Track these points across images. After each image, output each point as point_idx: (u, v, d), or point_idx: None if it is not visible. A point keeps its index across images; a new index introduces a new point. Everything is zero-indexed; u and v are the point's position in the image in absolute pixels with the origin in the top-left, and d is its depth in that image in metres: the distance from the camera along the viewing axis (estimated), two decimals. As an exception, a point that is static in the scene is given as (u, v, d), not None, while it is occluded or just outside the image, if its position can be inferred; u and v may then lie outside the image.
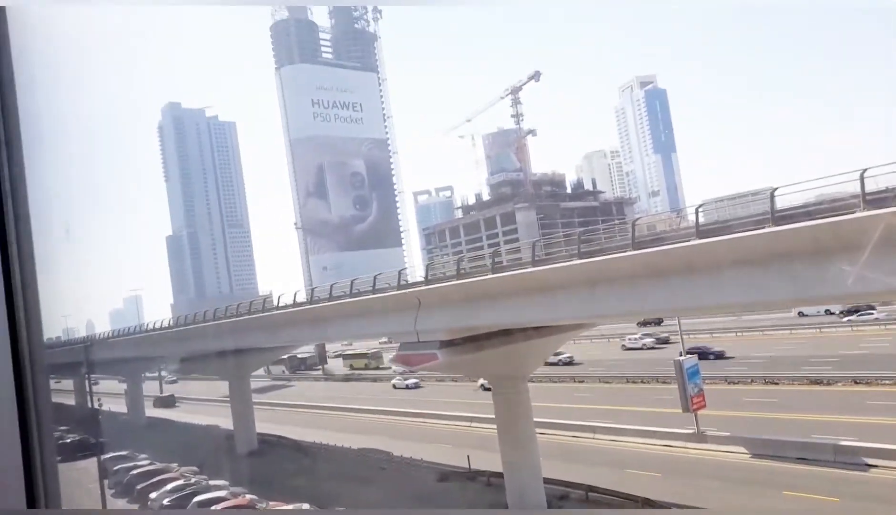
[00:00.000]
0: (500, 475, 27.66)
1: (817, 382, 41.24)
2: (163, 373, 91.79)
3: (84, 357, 59.95)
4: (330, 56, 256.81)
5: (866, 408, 33.43)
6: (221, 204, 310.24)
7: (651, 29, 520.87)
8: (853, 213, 13.04)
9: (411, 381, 66.51)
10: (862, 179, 13.04)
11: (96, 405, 45.64)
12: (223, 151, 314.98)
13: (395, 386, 67.91)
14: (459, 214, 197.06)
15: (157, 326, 54.52)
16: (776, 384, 43.04)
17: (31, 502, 2.31)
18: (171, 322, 52.99)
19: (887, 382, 38.24)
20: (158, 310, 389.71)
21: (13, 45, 2.09)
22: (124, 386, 71.83)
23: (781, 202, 15.04)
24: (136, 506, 35.03)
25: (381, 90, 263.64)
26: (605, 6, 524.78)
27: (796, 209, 15.06)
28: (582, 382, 55.08)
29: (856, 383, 39.55)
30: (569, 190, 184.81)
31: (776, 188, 15.02)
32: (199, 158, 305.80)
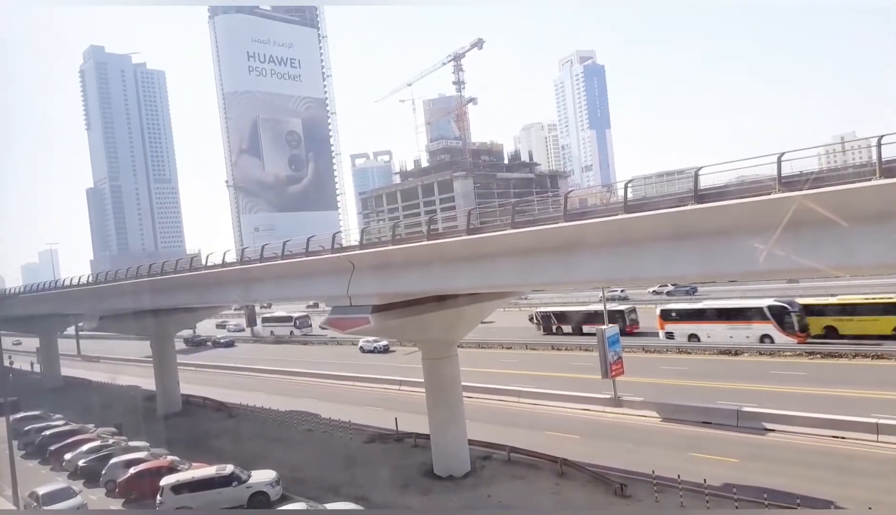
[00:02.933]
0: (426, 436, 28.26)
1: (726, 352, 44.00)
2: (80, 332, 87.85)
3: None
4: (268, 8, 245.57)
5: (769, 377, 36.02)
6: (147, 157, 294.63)
7: (594, 4, 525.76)
8: (769, 194, 13.85)
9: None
10: (779, 162, 13.83)
11: (5, 364, 43.24)
12: (151, 101, 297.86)
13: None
14: (397, 179, 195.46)
15: (76, 282, 51.87)
16: (689, 353, 45.62)
17: None
18: (91, 279, 50.48)
19: (788, 353, 41.27)
20: (77, 266, 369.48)
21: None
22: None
23: (705, 182, 15.81)
24: (49, 467, 33.76)
25: (321, 48, 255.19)
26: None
27: (718, 189, 15.86)
28: (509, 348, 56.57)
29: (760, 354, 42.45)
30: (506, 161, 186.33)
31: (700, 168, 15.74)
32: (125, 107, 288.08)
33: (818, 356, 39.72)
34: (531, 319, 67.45)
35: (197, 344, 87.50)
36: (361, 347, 66.19)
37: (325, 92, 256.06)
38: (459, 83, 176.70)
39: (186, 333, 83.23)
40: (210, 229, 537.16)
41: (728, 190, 15.36)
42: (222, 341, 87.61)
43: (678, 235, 15.93)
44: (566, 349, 52.76)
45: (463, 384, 28.69)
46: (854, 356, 38.40)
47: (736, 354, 43.25)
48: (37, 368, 72.75)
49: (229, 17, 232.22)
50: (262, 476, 25.88)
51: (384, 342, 63.87)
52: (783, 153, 13.98)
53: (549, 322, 62.17)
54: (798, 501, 19.36)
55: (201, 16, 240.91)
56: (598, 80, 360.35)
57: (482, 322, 34.03)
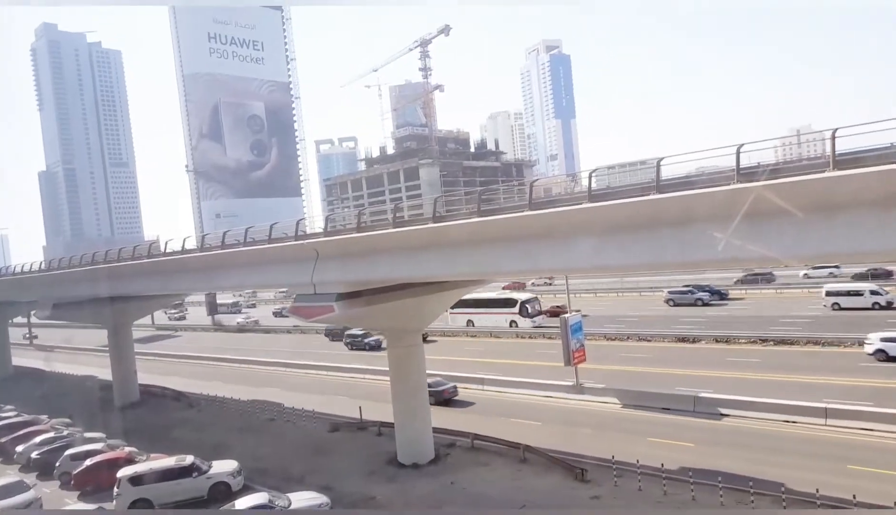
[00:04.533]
0: (390, 425, 28.25)
1: (684, 339, 45.10)
2: (33, 320, 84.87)
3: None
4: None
5: (725, 364, 37.07)
6: (103, 140, 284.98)
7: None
8: (728, 185, 14.14)
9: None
10: (738, 153, 14.11)
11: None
12: (106, 82, 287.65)
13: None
14: (363, 166, 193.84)
15: (27, 269, 50.03)
16: (649, 341, 46.60)
17: None
18: (44, 265, 48.76)
19: (743, 340, 42.53)
20: (29, 252, 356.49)
21: None
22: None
23: (667, 172, 16.06)
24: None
25: (285, 30, 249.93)
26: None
27: (680, 179, 16.13)
28: (474, 336, 56.89)
29: (716, 341, 43.64)
30: (472, 149, 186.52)
31: (662, 158, 15.98)
32: (79, 87, 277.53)
33: (771, 342, 41.02)
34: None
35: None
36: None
37: (290, 76, 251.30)
38: (426, 70, 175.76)
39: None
40: (169, 215, 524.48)
41: (690, 180, 15.64)
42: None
43: (638, 224, 16.17)
44: (530, 337, 53.31)
45: (427, 372, 28.76)
46: (805, 343, 39.78)
47: (694, 341, 44.33)
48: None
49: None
50: (222, 467, 25.48)
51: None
52: (742, 145, 14.28)
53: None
54: (751, 483, 20.01)
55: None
56: (563, 69, 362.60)
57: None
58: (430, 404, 28.84)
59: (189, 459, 25.21)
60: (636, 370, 38.16)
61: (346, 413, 34.95)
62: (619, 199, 16.47)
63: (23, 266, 51.40)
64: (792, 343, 40.29)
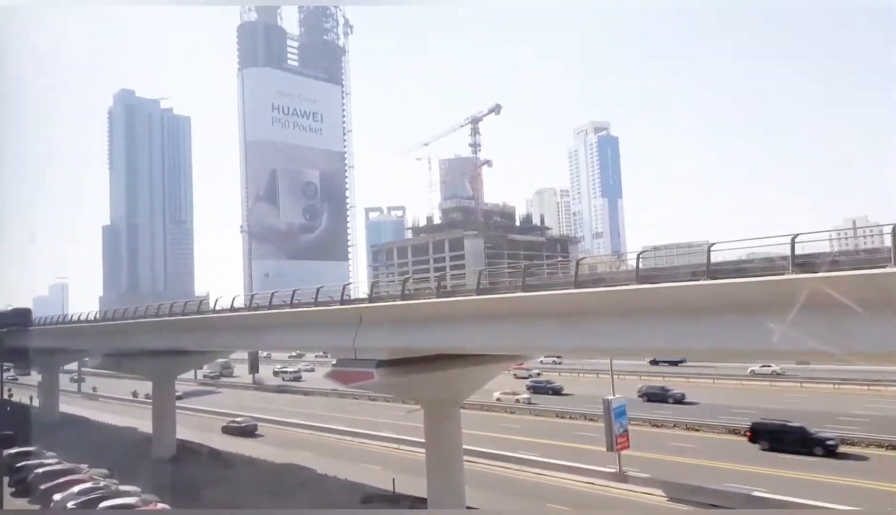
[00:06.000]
0: (423, 500, 27.45)
1: (734, 431, 42.86)
2: (83, 368, 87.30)
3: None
4: (296, 63, 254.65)
5: (776, 462, 34.91)
6: (166, 198, 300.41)
7: (608, 76, 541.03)
8: (782, 274, 13.83)
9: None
10: (793, 243, 13.89)
11: (5, 396, 42.90)
12: (174, 144, 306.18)
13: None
14: (409, 234, 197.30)
15: (84, 318, 51.99)
16: (697, 430, 44.48)
17: None
18: (99, 315, 50.61)
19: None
20: (86, 301, 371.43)
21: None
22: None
23: (716, 257, 15.85)
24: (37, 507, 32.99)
25: (343, 103, 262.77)
26: (566, 52, 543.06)
27: (729, 264, 15.89)
28: (512, 413, 55.49)
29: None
30: (518, 223, 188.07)
31: (713, 243, 15.81)
32: (148, 149, 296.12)
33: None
34: None
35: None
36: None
37: (345, 146, 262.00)
38: (475, 145, 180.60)
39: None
40: (220, 272, 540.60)
41: (741, 267, 15.38)
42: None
43: (689, 309, 15.84)
44: (570, 418, 51.66)
45: (464, 447, 28.10)
46: (867, 445, 37.22)
47: (744, 435, 42.01)
48: (35, 402, 72.09)
49: (258, 71, 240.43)
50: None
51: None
52: (797, 235, 14.06)
53: None
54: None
55: (231, 67, 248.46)
56: (611, 150, 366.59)
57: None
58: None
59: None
60: (683, 461, 36.31)
61: (378, 483, 34.18)
62: (667, 281, 16.26)
63: (78, 316, 53.45)
64: (853, 443, 37.76)
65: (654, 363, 74.18)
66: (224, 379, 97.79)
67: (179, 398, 69.97)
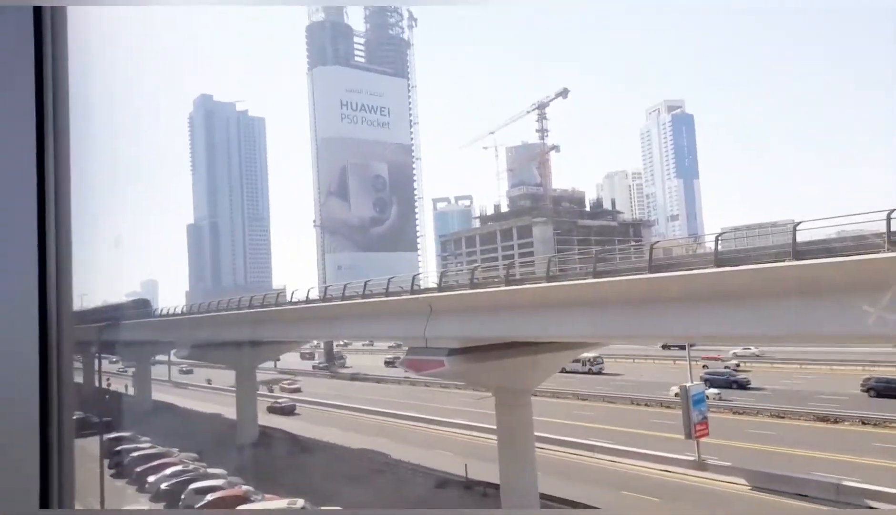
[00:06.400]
0: (496, 486, 27.54)
1: (823, 419, 40.61)
2: (173, 359, 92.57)
3: (97, 337, 60.56)
4: (362, 60, 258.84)
5: (871, 450, 32.83)
6: (244, 197, 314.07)
7: (681, 51, 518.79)
8: (878, 253, 12.89)
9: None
10: (888, 219, 12.91)
11: (104, 385, 46.14)
12: (250, 145, 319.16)
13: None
14: (477, 223, 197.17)
15: (173, 311, 55.10)
16: (782, 417, 42.40)
17: (45, 500, 1.94)
18: (186, 309, 53.53)
19: (895, 424, 37.54)
20: (174, 296, 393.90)
21: (70, 40, 2.10)
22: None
23: (801, 236, 14.92)
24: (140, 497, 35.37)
25: (409, 96, 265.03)
26: (634, 28, 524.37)
27: (816, 244, 14.94)
28: (585, 400, 54.64)
29: (863, 423, 38.89)
30: (588, 208, 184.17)
31: (799, 222, 14.92)
32: (226, 150, 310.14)
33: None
34: None
35: None
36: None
37: (412, 138, 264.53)
38: (543, 131, 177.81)
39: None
40: (295, 265, 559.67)
41: (830, 246, 14.44)
42: None
43: (774, 292, 15.04)
44: (646, 405, 50.36)
45: (535, 434, 27.95)
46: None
47: (835, 422, 39.80)
48: (130, 391, 77.21)
49: (326, 69, 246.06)
50: None
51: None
52: (893, 210, 13.04)
53: None
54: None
55: (301, 67, 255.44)
56: (686, 129, 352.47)
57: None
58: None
59: (300, 503, 25.94)
60: (764, 449, 34.71)
61: (451, 470, 34.55)
62: (748, 264, 15.49)
63: (168, 310, 56.71)
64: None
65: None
66: (301, 368, 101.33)
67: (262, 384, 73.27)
